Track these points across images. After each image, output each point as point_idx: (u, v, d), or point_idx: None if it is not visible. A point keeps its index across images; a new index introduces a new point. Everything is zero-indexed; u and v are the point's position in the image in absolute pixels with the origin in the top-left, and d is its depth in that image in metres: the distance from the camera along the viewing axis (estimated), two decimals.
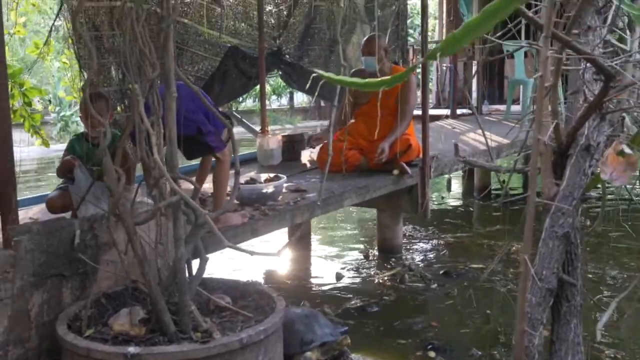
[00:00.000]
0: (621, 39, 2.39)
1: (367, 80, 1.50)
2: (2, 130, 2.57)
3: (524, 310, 1.69)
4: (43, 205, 4.11)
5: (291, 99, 21.52)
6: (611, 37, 2.28)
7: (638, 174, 1.85)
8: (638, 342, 3.48)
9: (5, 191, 2.53)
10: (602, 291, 4.16)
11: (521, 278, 1.65)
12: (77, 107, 13.65)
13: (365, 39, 5.01)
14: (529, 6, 1.92)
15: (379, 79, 1.44)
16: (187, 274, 2.60)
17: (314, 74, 1.69)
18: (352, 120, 4.76)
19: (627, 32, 2.19)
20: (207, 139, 3.32)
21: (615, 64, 1.92)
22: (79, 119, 13.92)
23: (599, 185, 2.01)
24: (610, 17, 2.11)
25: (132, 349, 2.26)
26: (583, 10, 1.92)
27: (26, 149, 4.33)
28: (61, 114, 14.23)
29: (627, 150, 1.61)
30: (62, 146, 11.43)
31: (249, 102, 18.70)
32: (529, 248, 1.68)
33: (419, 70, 5.22)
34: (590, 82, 2.05)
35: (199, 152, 3.50)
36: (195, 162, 4.31)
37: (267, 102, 11.79)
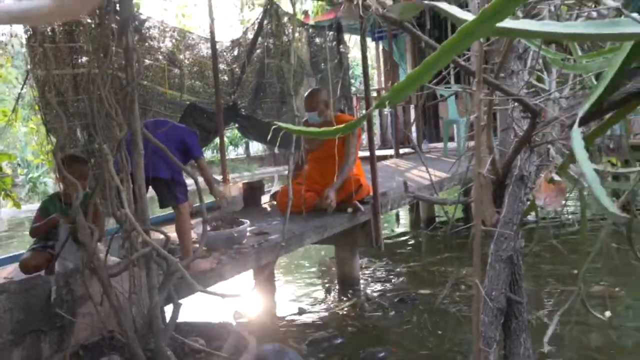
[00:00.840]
0: (539, 79, 2.51)
1: (323, 129, 1.53)
2: None
3: (478, 329, 1.70)
4: (17, 264, 3.97)
5: (247, 148, 21.54)
6: (532, 79, 2.39)
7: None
8: (580, 352, 3.54)
9: None
10: (544, 307, 4.24)
11: (474, 300, 1.68)
12: (45, 168, 13.37)
13: (305, 95, 5.07)
14: (459, 55, 2.00)
15: (334, 127, 1.46)
16: (161, 321, 2.53)
17: (273, 126, 1.70)
18: (306, 166, 4.82)
19: (545, 73, 2.30)
20: (177, 189, 3.32)
21: (539, 102, 2.00)
22: (46, 180, 13.62)
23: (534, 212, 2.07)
24: (529, 61, 2.21)
25: None
26: (507, 56, 2.01)
27: None
28: (29, 175, 13.86)
29: (557, 178, 1.67)
30: (32, 206, 11.09)
31: (207, 154, 18.61)
32: (479, 272, 1.71)
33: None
34: (519, 119, 2.13)
35: (167, 200, 3.46)
36: (162, 212, 4.26)
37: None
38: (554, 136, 2.19)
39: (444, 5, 1.33)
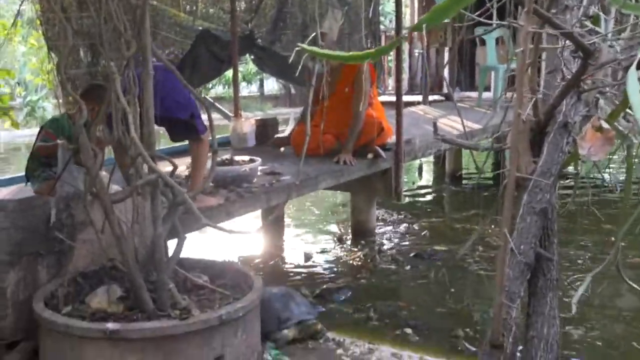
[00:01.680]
0: (596, 21, 2.44)
1: (351, 53, 1.51)
2: None
3: (502, 283, 1.72)
4: (13, 187, 4.04)
5: (261, 85, 21.39)
6: (587, 21, 2.32)
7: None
8: (608, 317, 3.58)
9: None
10: (575, 268, 4.28)
11: (500, 251, 1.69)
12: (45, 91, 13.39)
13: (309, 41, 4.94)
14: None
15: (364, 52, 1.45)
16: (164, 253, 2.59)
17: (296, 48, 1.67)
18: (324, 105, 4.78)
19: (603, 13, 2.24)
20: (197, 121, 3.33)
21: (592, 42, 1.96)
22: (45, 104, 13.67)
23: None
24: None
25: (111, 325, 2.25)
26: None
27: None
28: (27, 98, 13.93)
29: (605, 125, 1.65)
30: (30, 131, 11.16)
31: (219, 89, 18.54)
32: (508, 222, 1.72)
33: (391, 56, 5.25)
34: (568, 60, 2.09)
35: (184, 134, 3.48)
36: (172, 144, 4.29)
37: None
38: (606, 83, 2.15)
39: None
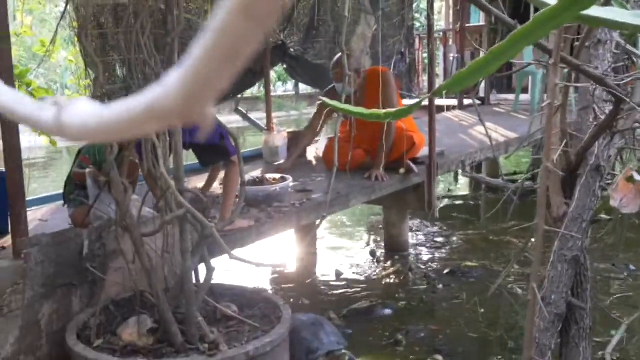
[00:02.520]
0: (632, 37, 2.35)
1: (372, 110, 1.49)
2: (11, 140, 2.60)
3: (531, 337, 1.69)
4: (52, 205, 4.14)
5: (296, 85, 21.42)
6: (623, 41, 2.25)
7: None
8: None
9: (16, 204, 2.56)
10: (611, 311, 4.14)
11: (529, 305, 1.65)
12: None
13: (333, 62, 4.88)
14: None
15: (385, 111, 1.42)
16: (194, 284, 2.61)
17: (320, 98, 1.66)
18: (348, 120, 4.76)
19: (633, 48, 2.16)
20: (226, 142, 3.34)
21: (627, 80, 1.90)
22: None
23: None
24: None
25: None
26: (593, 30, 1.89)
27: (33, 139, 4.30)
28: None
29: (637, 177, 1.59)
30: (69, 143, 11.49)
31: (254, 89, 18.61)
32: (537, 275, 1.68)
33: (425, 55, 5.17)
34: (600, 99, 2.03)
35: (216, 158, 3.52)
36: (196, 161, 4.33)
37: (272, 88, 11.70)
38: None
39: None
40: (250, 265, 2.47)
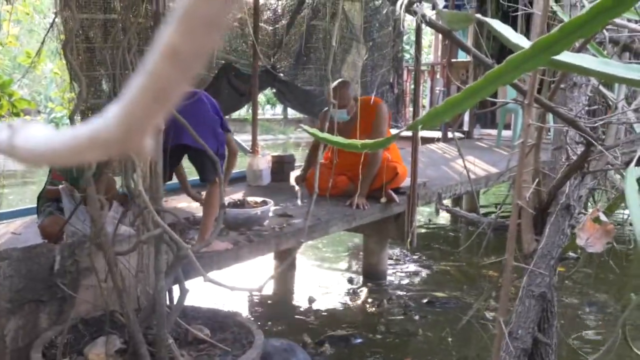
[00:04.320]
0: (611, 86, 2.41)
1: (350, 141, 1.52)
2: None
3: None
4: (25, 219, 4.11)
5: (285, 109, 21.54)
6: (599, 83, 2.30)
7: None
8: None
9: None
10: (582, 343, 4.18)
11: (496, 339, 1.67)
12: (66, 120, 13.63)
13: (333, 87, 4.91)
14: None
15: (362, 142, 1.45)
16: (166, 305, 2.60)
17: (300, 126, 1.68)
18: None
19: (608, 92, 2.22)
20: (221, 162, 3.36)
21: (599, 124, 1.94)
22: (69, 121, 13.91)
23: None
24: None
25: None
26: (565, 78, 1.95)
27: None
28: (52, 115, 14.18)
29: (604, 218, 1.63)
30: None
31: (242, 111, 18.70)
32: (505, 310, 1.70)
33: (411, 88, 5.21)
34: (573, 140, 2.07)
35: (210, 173, 3.48)
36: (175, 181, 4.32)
37: (260, 111, 11.70)
38: (613, 160, 2.13)
39: (497, 25, 1.29)
40: (224, 288, 2.47)
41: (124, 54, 2.63)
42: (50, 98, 13.65)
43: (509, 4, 2.45)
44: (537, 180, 1.91)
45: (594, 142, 1.67)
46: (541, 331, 1.90)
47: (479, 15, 1.32)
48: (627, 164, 1.57)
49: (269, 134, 18.59)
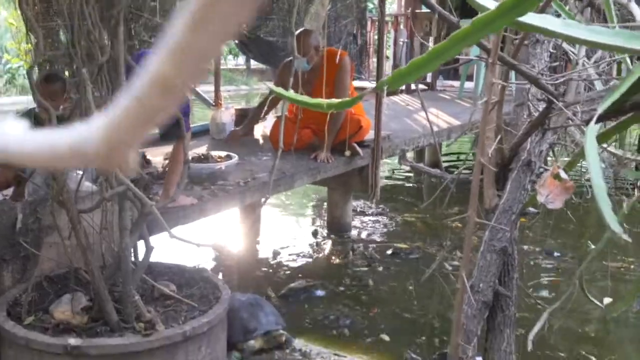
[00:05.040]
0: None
1: (317, 100, 1.50)
2: None
3: (460, 323, 1.75)
4: None
5: (247, 59, 21.19)
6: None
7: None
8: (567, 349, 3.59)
9: None
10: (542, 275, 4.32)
11: (458, 293, 1.71)
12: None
13: (295, 35, 4.83)
14: None
15: (328, 102, 1.44)
16: (131, 262, 2.59)
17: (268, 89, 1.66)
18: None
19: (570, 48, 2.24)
20: (186, 120, 3.32)
21: (560, 82, 1.97)
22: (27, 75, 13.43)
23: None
24: None
25: (72, 341, 2.26)
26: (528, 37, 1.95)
27: None
28: (8, 65, 13.67)
29: (564, 175, 1.66)
30: (9, 99, 10.93)
31: None
32: (467, 264, 1.74)
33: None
34: (535, 96, 2.10)
35: (174, 133, 3.45)
36: None
37: (222, 61, 11.49)
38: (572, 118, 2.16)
39: None
40: (190, 244, 2.47)
41: (82, 4, 2.53)
42: (5, 49, 13.14)
43: None
44: (499, 137, 1.94)
45: (553, 99, 1.69)
46: (502, 284, 1.95)
47: None
48: (588, 121, 1.59)
49: (232, 84, 18.30)
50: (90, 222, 2.68)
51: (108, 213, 2.69)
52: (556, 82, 1.85)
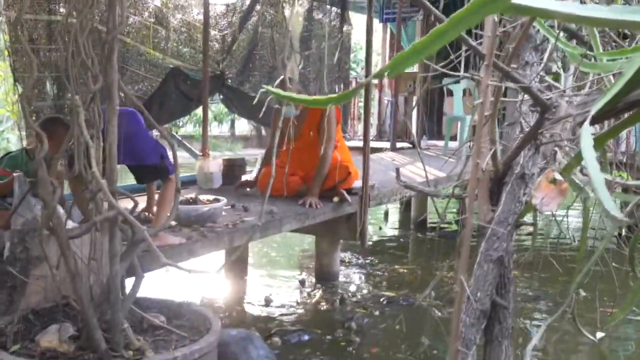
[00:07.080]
0: (556, 78, 2.54)
1: (314, 97, 1.54)
2: None
3: (458, 329, 1.74)
4: None
5: (232, 126, 21.49)
6: (547, 77, 2.41)
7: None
8: None
9: None
10: (532, 317, 4.31)
11: (457, 298, 1.71)
12: (10, 123, 13.17)
13: (280, 82, 4.93)
14: (470, 35, 2.02)
15: (327, 97, 1.47)
16: (121, 292, 2.54)
17: (261, 89, 1.71)
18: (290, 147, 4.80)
19: (562, 70, 2.32)
20: (166, 161, 3.40)
21: (550, 97, 2.03)
22: (10, 135, 13.43)
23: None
24: (547, 54, 2.23)
25: None
26: (522, 45, 2.03)
27: None
28: None
29: (558, 177, 1.69)
30: None
31: (189, 128, 18.53)
32: (465, 269, 1.74)
33: (360, 102, 5.33)
34: (527, 114, 2.16)
35: (155, 177, 3.57)
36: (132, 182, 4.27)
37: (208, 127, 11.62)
38: (562, 137, 2.22)
39: None
40: (180, 276, 2.45)
41: (69, 57, 2.58)
42: None
43: None
44: (493, 150, 1.98)
45: (547, 107, 1.74)
46: (498, 295, 1.95)
47: None
48: (581, 123, 1.64)
49: (217, 150, 18.44)
50: (79, 254, 2.64)
51: (97, 243, 2.66)
52: (548, 96, 1.91)
